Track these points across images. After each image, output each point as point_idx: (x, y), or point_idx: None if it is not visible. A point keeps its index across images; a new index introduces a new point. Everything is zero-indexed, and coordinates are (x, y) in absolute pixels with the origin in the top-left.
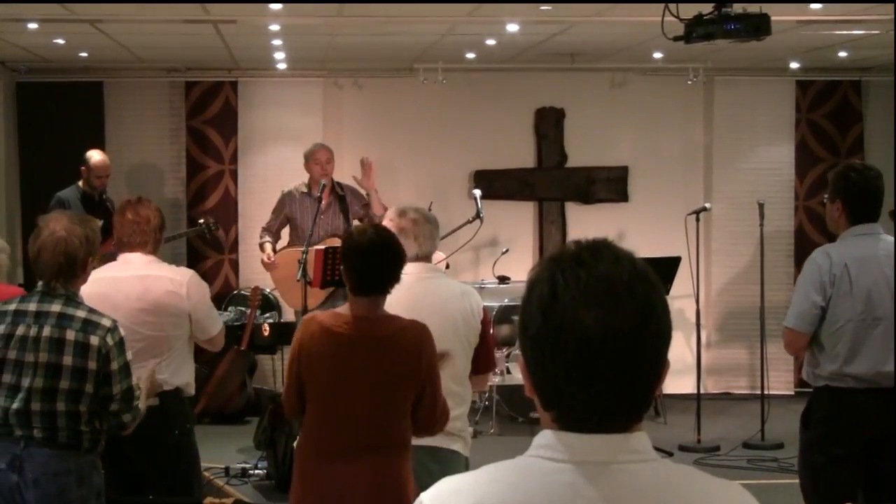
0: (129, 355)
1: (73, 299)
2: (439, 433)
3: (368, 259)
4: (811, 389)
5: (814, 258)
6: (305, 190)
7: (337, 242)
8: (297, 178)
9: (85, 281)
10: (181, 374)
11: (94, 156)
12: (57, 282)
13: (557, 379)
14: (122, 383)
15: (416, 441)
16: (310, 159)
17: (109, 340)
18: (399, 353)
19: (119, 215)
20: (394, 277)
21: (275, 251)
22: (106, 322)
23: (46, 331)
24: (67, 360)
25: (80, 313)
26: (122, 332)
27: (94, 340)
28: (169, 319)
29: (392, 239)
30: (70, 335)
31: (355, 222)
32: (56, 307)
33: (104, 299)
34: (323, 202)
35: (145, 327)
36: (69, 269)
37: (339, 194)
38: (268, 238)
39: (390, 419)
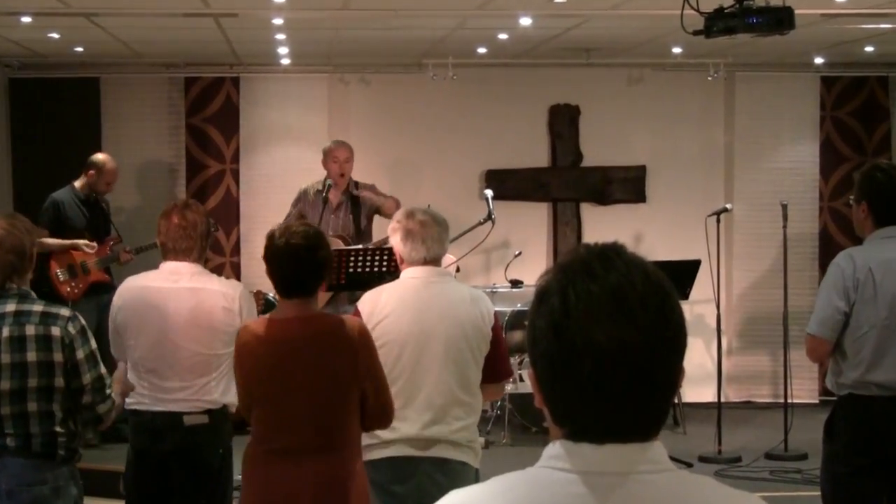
0: (93, 343)
1: (26, 296)
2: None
3: (285, 262)
4: (835, 398)
5: (837, 262)
6: (321, 188)
7: (341, 244)
8: (301, 177)
9: (32, 275)
10: (229, 394)
11: (107, 162)
12: (11, 281)
13: (569, 396)
14: (90, 372)
15: (423, 452)
16: (328, 157)
17: (71, 329)
18: (333, 352)
19: (164, 219)
20: (318, 279)
21: None
22: (65, 312)
23: (5, 332)
24: (31, 356)
25: (37, 307)
26: (83, 320)
27: (56, 331)
28: (220, 337)
29: (314, 241)
30: (30, 330)
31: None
32: (11, 307)
33: (153, 312)
34: (333, 201)
35: (195, 344)
36: (20, 265)
37: (353, 194)
38: None
39: (333, 420)
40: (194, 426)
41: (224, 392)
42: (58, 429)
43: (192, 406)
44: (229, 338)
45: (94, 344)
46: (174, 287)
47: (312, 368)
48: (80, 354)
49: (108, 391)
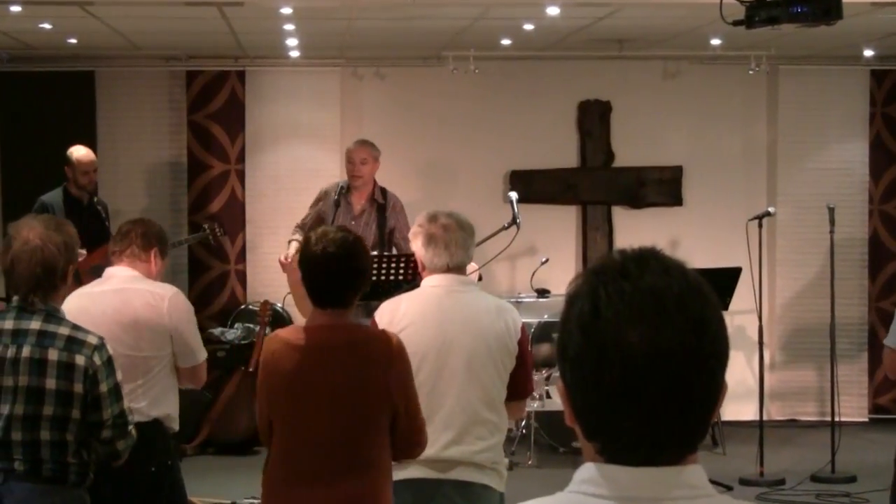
0: (119, 375)
1: (53, 315)
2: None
3: (322, 271)
4: (890, 416)
5: None
6: (345, 192)
7: None
8: (311, 178)
9: (67, 293)
10: (162, 405)
11: (76, 152)
12: (35, 296)
13: (601, 406)
14: (112, 407)
15: (443, 475)
16: (346, 157)
17: (97, 359)
18: (362, 364)
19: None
20: (354, 291)
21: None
22: (92, 339)
23: (26, 351)
24: (51, 383)
25: (63, 330)
26: (111, 349)
27: (80, 360)
28: (146, 336)
29: (352, 250)
30: (52, 355)
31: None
32: (35, 324)
33: (83, 314)
34: (355, 207)
35: (117, 345)
36: (48, 281)
37: (380, 203)
38: (298, 236)
39: (360, 438)
40: None
41: (156, 402)
42: (70, 459)
43: None
44: (157, 339)
45: (119, 376)
46: (100, 290)
47: (341, 379)
48: (104, 388)
49: (129, 427)
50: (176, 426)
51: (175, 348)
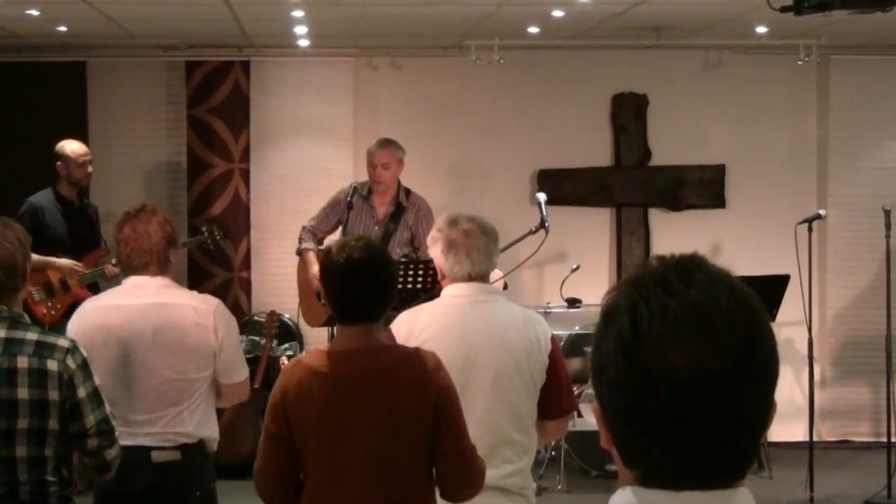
0: (96, 379)
1: (18, 321)
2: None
3: (348, 282)
4: None
5: None
6: (365, 193)
7: None
8: (321, 178)
9: (29, 298)
10: (206, 426)
11: (68, 144)
12: (0, 301)
13: (643, 434)
14: (95, 413)
15: (468, 501)
16: (367, 159)
17: (71, 363)
18: (400, 390)
19: (118, 232)
20: (383, 303)
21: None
22: (63, 342)
23: None
24: (23, 392)
25: (31, 335)
26: (84, 352)
27: (52, 365)
28: (192, 358)
29: (379, 257)
30: (22, 362)
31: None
32: (0, 332)
33: (115, 332)
34: (379, 211)
35: (163, 368)
36: (9, 283)
37: (402, 205)
38: (309, 244)
39: (401, 476)
40: (164, 463)
41: (201, 423)
42: (49, 477)
43: (161, 440)
44: (204, 359)
45: (97, 380)
46: (138, 304)
47: (376, 411)
48: (82, 393)
49: (115, 434)
50: (215, 446)
51: (219, 365)
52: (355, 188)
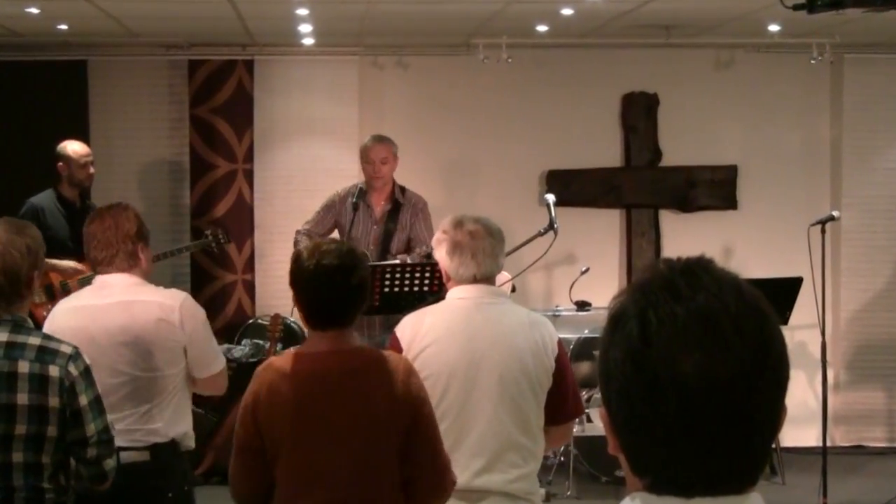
0: (98, 387)
1: (21, 325)
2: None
3: (316, 289)
4: None
5: None
6: (358, 193)
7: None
8: (326, 179)
9: (30, 302)
10: (178, 424)
11: (70, 144)
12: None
13: (651, 441)
14: (96, 422)
15: None
16: (362, 157)
17: (73, 370)
18: (371, 391)
19: (86, 226)
20: (354, 308)
21: None
22: (66, 349)
23: None
24: (22, 397)
25: (34, 340)
26: (87, 359)
27: (54, 371)
28: (160, 354)
29: (349, 262)
30: (23, 367)
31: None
32: (2, 336)
33: (81, 334)
34: (376, 210)
35: (129, 367)
36: (12, 290)
37: (399, 202)
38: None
39: (373, 477)
40: (131, 465)
41: (172, 422)
42: (45, 484)
43: (128, 440)
44: (172, 355)
45: (99, 388)
46: (102, 303)
47: (348, 412)
48: (83, 400)
49: (114, 444)
50: (192, 443)
51: (191, 359)
52: (361, 188)
